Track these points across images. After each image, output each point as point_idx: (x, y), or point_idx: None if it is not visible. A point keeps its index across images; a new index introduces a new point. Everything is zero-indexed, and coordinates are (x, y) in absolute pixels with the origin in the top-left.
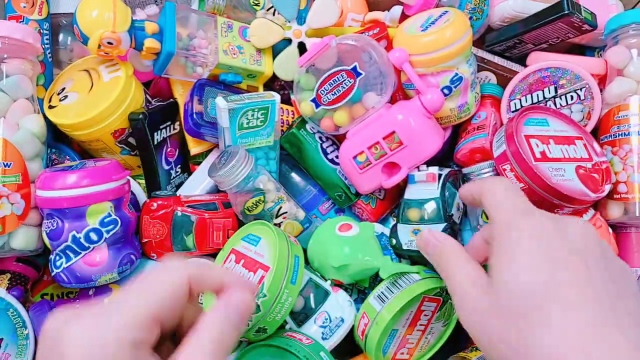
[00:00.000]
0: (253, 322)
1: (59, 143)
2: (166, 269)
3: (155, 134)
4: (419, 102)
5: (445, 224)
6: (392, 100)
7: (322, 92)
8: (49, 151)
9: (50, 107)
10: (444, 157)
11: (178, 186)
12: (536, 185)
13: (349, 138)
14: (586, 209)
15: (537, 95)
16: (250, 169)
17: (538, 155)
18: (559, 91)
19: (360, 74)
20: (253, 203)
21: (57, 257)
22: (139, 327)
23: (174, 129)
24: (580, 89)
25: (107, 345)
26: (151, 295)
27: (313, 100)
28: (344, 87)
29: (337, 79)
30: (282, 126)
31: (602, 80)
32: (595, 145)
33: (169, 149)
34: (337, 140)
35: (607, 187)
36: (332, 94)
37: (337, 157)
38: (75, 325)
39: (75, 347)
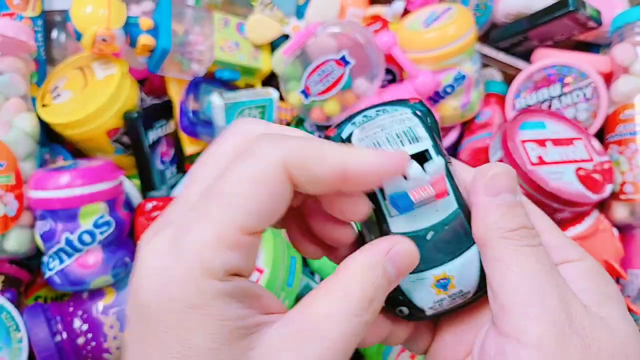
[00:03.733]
0: None
1: (53, 142)
2: (250, 154)
3: (150, 132)
4: (411, 87)
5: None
6: None
7: (310, 83)
8: (42, 151)
9: (43, 105)
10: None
11: (173, 187)
12: (533, 191)
13: None
14: (589, 211)
15: (543, 93)
16: None
17: (534, 160)
18: (565, 89)
19: (350, 62)
20: None
21: (51, 260)
22: (215, 252)
23: (169, 128)
24: (586, 87)
25: (176, 275)
26: (228, 206)
27: (302, 92)
28: (334, 77)
29: (325, 69)
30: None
31: (608, 78)
32: (596, 144)
33: (163, 149)
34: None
35: (609, 188)
36: (322, 85)
37: None
38: (149, 247)
39: (146, 274)
